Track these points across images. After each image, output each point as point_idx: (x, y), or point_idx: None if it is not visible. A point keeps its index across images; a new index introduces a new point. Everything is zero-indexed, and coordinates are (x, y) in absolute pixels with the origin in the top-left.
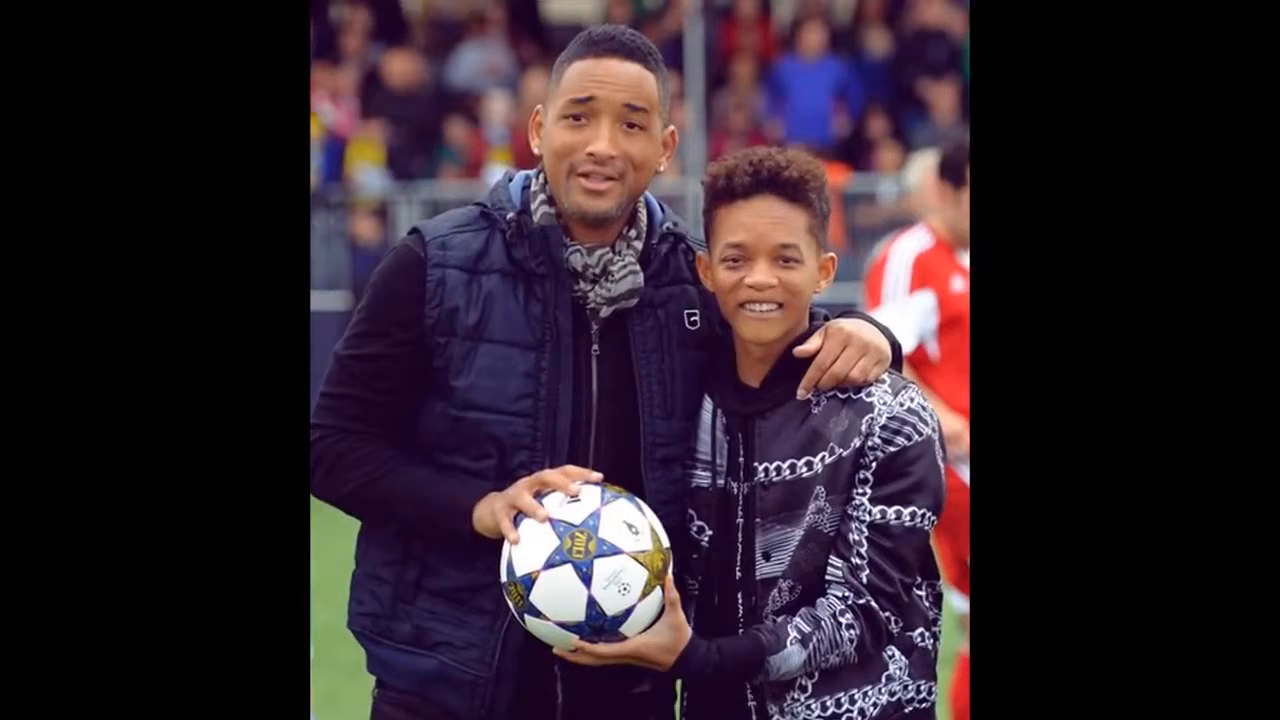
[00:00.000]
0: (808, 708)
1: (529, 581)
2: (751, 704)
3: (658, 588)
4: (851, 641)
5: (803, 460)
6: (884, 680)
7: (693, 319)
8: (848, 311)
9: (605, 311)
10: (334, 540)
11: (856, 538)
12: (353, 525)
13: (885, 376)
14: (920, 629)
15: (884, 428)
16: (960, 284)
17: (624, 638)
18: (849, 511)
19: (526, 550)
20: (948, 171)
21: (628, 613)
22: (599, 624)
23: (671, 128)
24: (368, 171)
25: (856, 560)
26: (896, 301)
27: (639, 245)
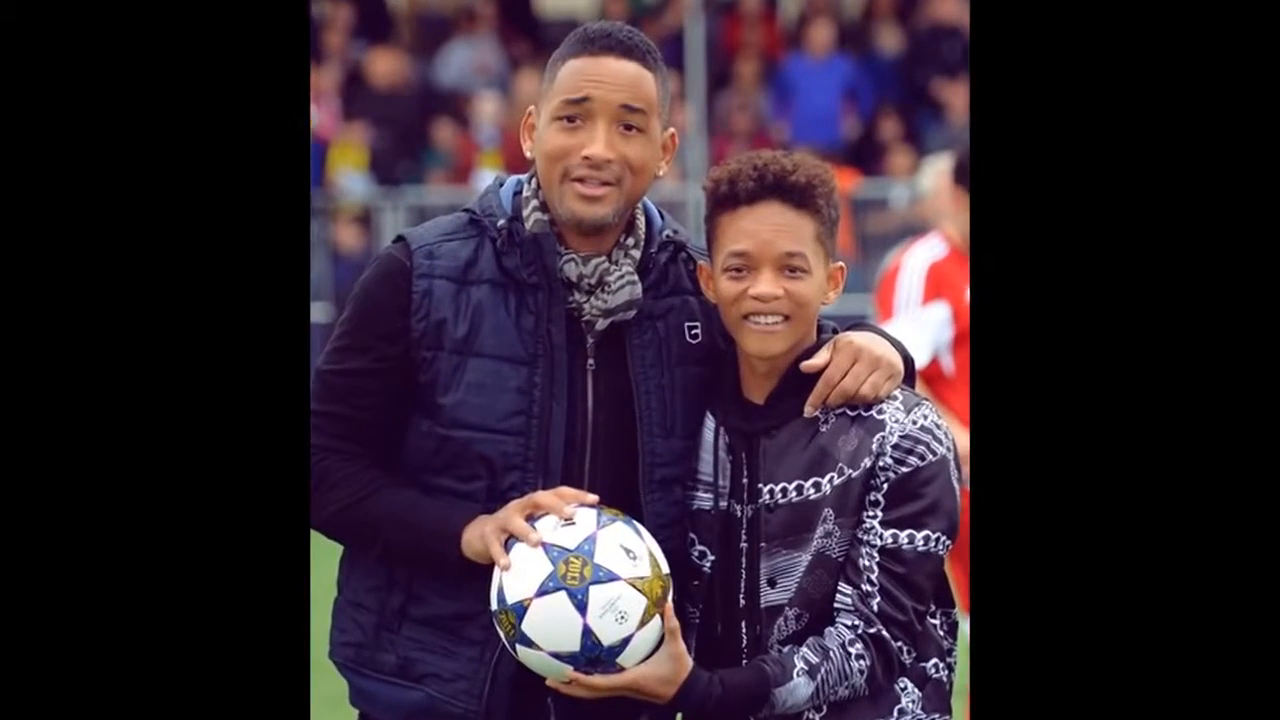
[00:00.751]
0: None
1: (521, 609)
2: None
3: (657, 616)
4: (862, 673)
5: (810, 481)
6: (896, 714)
7: (694, 332)
8: (858, 324)
9: (601, 324)
10: (315, 565)
11: (867, 563)
12: (335, 549)
13: (897, 393)
14: (934, 659)
15: (896, 447)
16: None
17: (621, 669)
18: (859, 535)
19: (518, 576)
20: (963, 176)
21: (625, 642)
22: (595, 654)
23: (671, 130)
24: (350, 176)
25: (867, 587)
26: (909, 313)
27: (637, 254)
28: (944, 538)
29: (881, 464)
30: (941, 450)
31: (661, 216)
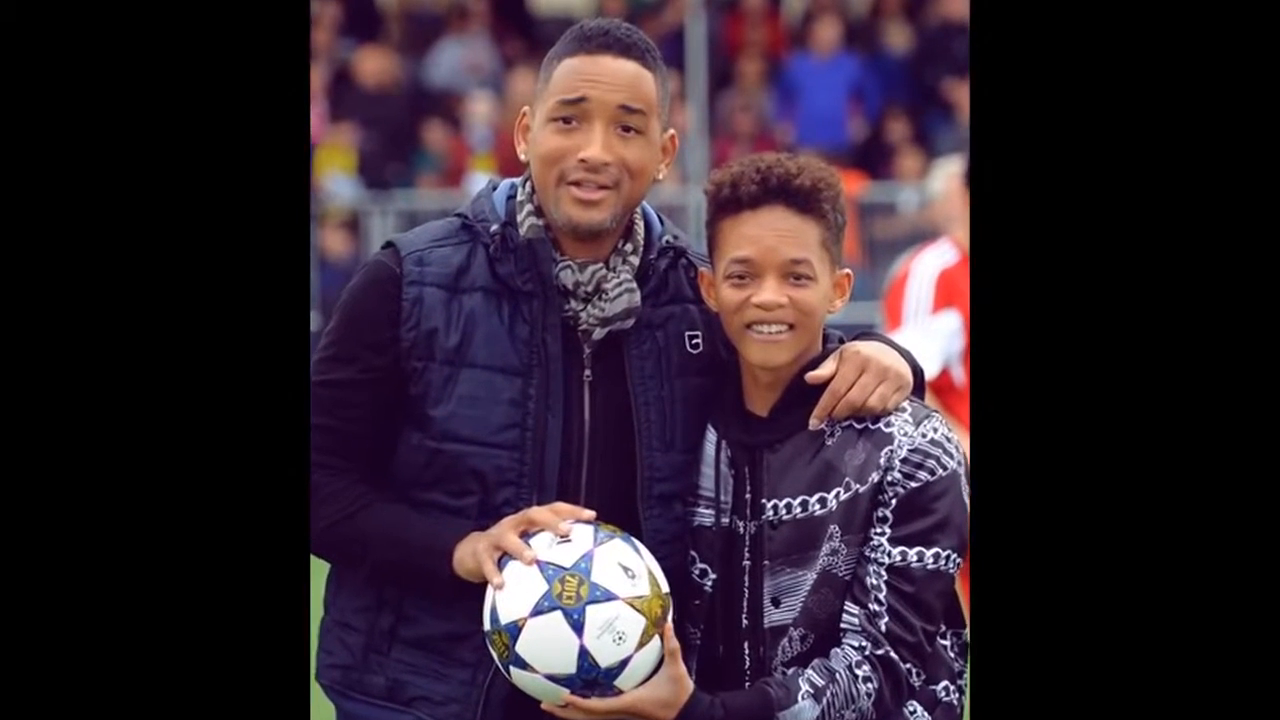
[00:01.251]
0: None
1: (515, 630)
2: None
3: (656, 637)
4: (869, 696)
5: (815, 497)
6: None
7: (694, 341)
8: (865, 333)
9: (598, 333)
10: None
11: (874, 582)
12: (322, 567)
13: (906, 405)
14: (944, 682)
15: (905, 461)
16: None
17: (619, 692)
18: (866, 553)
19: (512, 595)
20: None
21: (623, 664)
22: (592, 676)
23: (671, 131)
24: (337, 180)
25: (874, 607)
26: (918, 322)
27: (635, 260)
28: (954, 555)
29: (890, 479)
30: (952, 465)
31: (661, 221)
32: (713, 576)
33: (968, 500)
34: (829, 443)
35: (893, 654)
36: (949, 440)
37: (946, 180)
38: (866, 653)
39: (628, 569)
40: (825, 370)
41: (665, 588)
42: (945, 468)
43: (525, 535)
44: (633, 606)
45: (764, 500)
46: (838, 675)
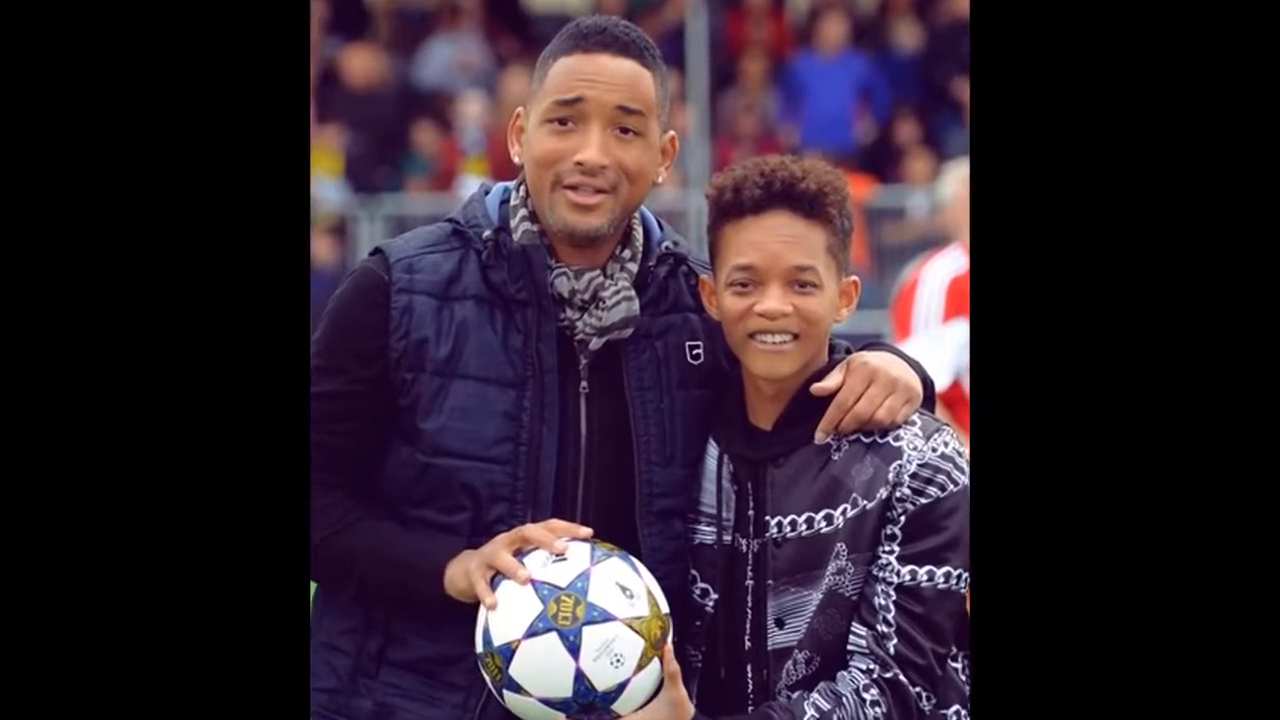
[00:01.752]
0: None
1: (508, 652)
2: None
3: (655, 659)
4: None
5: (821, 513)
6: None
7: (695, 352)
8: (873, 343)
9: (595, 343)
10: None
11: (883, 602)
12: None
13: (915, 418)
14: (955, 706)
15: (914, 476)
16: None
17: (617, 716)
18: (874, 572)
19: (505, 616)
20: None
21: (621, 688)
22: (588, 700)
23: (671, 133)
24: (323, 183)
25: (883, 628)
26: (928, 332)
27: (634, 267)
28: (966, 574)
29: (899, 495)
30: (963, 480)
31: (660, 227)
32: (714, 596)
33: None
34: (835, 457)
35: (902, 677)
36: (960, 455)
37: (957, 184)
38: (874, 675)
39: (626, 589)
40: (831, 382)
41: (665, 608)
42: (956, 483)
43: (519, 553)
44: (631, 628)
45: (767, 517)
46: (844, 699)
